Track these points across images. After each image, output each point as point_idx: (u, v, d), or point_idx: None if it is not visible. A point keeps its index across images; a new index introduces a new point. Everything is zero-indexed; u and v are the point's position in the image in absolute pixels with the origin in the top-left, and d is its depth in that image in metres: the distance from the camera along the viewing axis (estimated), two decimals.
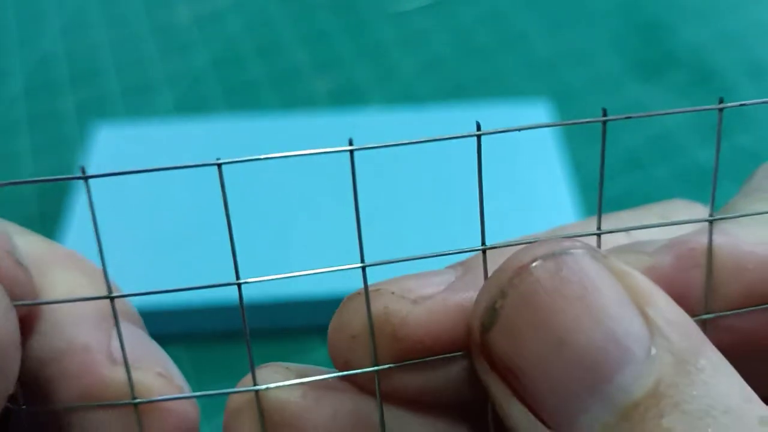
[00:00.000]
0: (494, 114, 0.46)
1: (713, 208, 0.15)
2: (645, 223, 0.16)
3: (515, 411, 0.13)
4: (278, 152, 0.14)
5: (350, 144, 0.14)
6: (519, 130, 0.14)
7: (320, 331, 0.40)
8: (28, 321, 0.15)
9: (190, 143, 0.46)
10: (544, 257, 0.13)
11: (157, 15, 0.60)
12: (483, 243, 0.15)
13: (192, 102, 0.53)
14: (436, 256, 0.15)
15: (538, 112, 0.46)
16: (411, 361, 0.14)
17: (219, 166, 0.14)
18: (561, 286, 0.12)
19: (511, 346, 0.13)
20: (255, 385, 0.15)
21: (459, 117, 0.45)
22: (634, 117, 0.14)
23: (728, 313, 0.14)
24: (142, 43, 0.57)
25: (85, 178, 0.13)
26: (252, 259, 0.16)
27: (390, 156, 0.43)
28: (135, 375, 0.15)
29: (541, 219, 0.40)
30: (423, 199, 0.41)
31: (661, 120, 0.48)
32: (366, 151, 0.14)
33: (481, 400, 0.15)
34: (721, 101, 0.14)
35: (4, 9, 0.61)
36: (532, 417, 0.12)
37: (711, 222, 0.15)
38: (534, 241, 0.14)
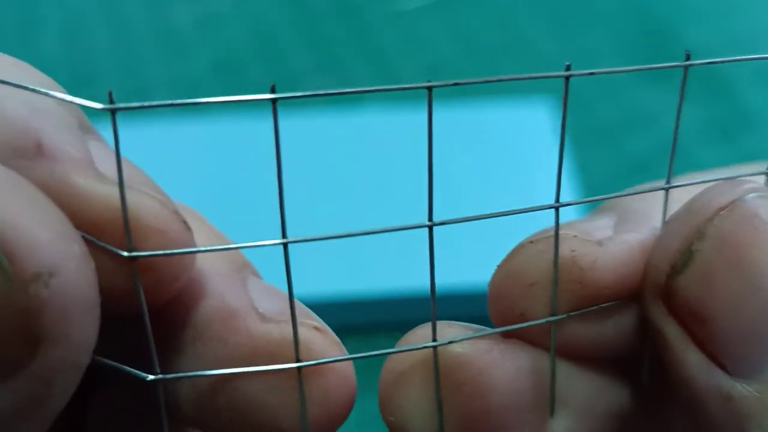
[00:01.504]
0: (496, 114, 0.46)
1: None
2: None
3: (693, 358, 0.12)
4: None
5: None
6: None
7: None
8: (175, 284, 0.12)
9: (189, 145, 0.45)
10: (741, 199, 0.12)
11: (157, 17, 0.60)
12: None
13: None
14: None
15: (541, 112, 0.46)
16: (588, 309, 0.14)
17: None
18: (762, 228, 0.12)
19: (705, 290, 0.12)
20: (434, 341, 0.13)
21: (460, 117, 0.45)
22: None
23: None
24: (142, 45, 0.57)
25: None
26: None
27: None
28: (290, 330, 0.13)
29: (543, 220, 0.40)
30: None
31: (667, 125, 0.48)
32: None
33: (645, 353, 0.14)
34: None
35: (3, 12, 0.61)
36: (712, 365, 0.12)
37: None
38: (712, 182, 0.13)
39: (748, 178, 0.14)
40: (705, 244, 0.12)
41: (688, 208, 0.13)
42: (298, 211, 0.42)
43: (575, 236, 0.14)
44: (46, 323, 0.10)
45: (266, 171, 0.48)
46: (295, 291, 0.40)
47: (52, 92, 0.13)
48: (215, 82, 0.54)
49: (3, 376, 0.10)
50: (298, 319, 0.14)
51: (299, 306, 0.14)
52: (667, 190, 0.14)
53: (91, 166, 0.12)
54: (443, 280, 0.42)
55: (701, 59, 0.14)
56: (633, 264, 0.14)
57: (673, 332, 0.13)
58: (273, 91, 0.13)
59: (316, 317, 0.15)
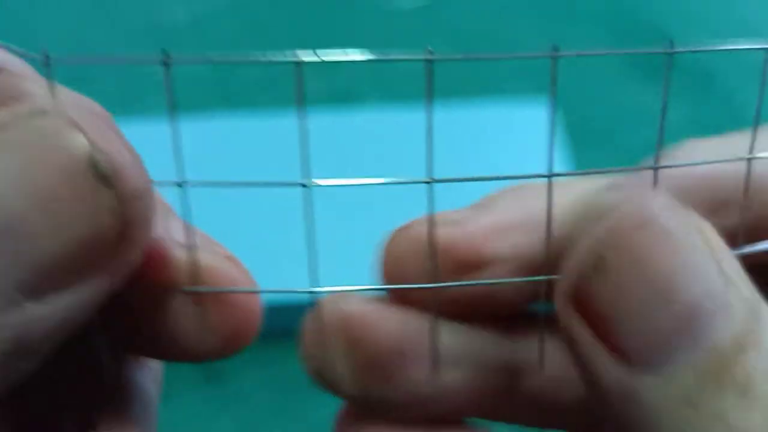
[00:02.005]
0: (494, 114, 0.46)
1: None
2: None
3: (594, 352, 0.14)
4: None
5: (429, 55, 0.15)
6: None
7: None
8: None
9: (187, 144, 0.45)
10: (651, 213, 0.14)
11: (154, 16, 0.60)
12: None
13: (189, 102, 0.52)
14: (506, 179, 0.16)
15: (538, 111, 0.46)
16: (464, 283, 0.16)
17: (298, 64, 0.15)
18: (664, 244, 0.13)
19: (613, 297, 0.13)
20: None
21: (458, 116, 0.45)
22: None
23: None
24: (139, 44, 0.57)
25: (167, 64, 0.14)
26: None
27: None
28: (207, 258, 0.15)
29: None
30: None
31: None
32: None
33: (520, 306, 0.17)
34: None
35: (3, 13, 0.61)
36: (613, 357, 0.13)
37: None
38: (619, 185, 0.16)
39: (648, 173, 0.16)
40: (613, 255, 0.14)
41: (600, 213, 0.14)
42: (296, 209, 0.42)
43: (440, 219, 0.16)
44: (131, 228, 0.13)
45: (266, 169, 0.48)
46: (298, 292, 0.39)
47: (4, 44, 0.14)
48: (212, 79, 0.54)
49: (100, 266, 0.13)
50: (214, 249, 0.15)
51: (210, 238, 0.16)
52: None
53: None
54: None
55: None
56: (486, 238, 0.16)
57: (578, 328, 0.14)
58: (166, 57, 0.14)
59: (224, 247, 0.16)
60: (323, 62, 0.14)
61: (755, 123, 0.16)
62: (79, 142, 0.13)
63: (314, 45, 0.58)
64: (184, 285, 0.15)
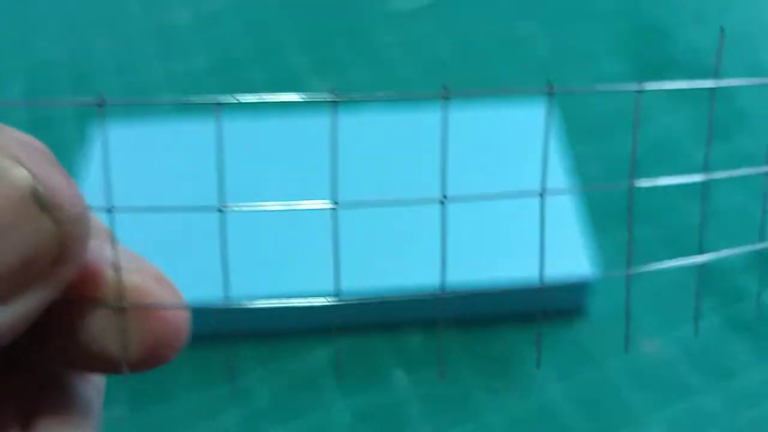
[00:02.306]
0: (494, 114, 0.47)
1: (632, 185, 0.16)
2: None
3: None
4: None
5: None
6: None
7: (318, 331, 0.40)
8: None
9: (189, 144, 0.46)
10: None
11: (157, 17, 0.60)
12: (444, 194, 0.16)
13: (191, 104, 0.53)
14: (399, 204, 0.15)
15: (539, 112, 0.46)
16: None
17: (217, 105, 0.16)
18: None
19: None
20: None
21: (458, 117, 0.45)
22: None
23: None
24: (142, 45, 0.58)
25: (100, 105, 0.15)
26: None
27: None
28: (133, 278, 0.17)
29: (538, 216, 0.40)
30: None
31: (661, 123, 0.48)
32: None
33: None
34: (640, 84, 0.16)
35: (4, 11, 0.61)
36: None
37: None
38: None
39: None
40: None
41: None
42: (297, 210, 0.43)
43: None
44: (68, 248, 0.15)
45: (265, 169, 0.48)
46: (294, 290, 0.39)
47: None
48: (214, 82, 0.54)
49: (36, 283, 0.15)
50: (143, 268, 0.17)
51: (145, 261, 0.17)
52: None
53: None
54: (447, 279, 0.41)
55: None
56: None
57: None
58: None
59: (158, 270, 0.18)
60: (240, 104, 0.15)
61: (632, 153, 0.16)
62: (22, 174, 0.15)
63: (315, 45, 0.59)
64: (110, 301, 0.16)
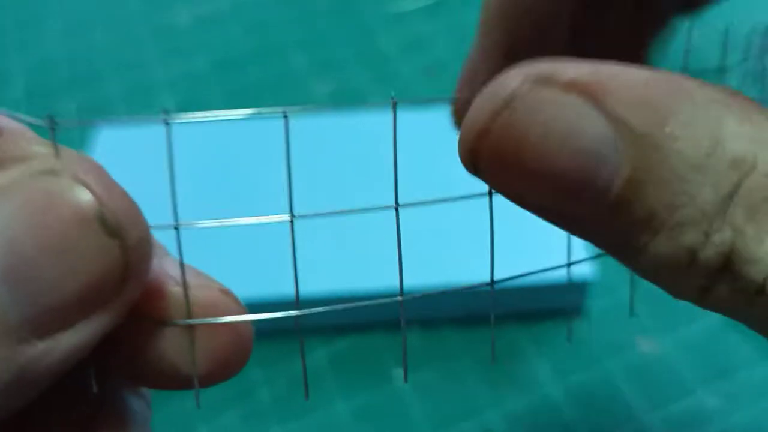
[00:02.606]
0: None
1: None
2: None
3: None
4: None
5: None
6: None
7: (319, 331, 0.40)
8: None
9: (190, 145, 0.46)
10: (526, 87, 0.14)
11: (158, 17, 0.60)
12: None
13: (192, 104, 0.53)
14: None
15: None
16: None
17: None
18: (528, 120, 0.14)
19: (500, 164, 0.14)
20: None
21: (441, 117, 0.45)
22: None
23: None
24: (143, 45, 0.58)
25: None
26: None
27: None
28: (200, 294, 0.16)
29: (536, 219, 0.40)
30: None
31: None
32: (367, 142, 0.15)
33: None
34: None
35: (5, 12, 0.61)
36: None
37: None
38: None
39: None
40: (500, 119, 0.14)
41: (494, 86, 0.15)
42: (296, 209, 0.43)
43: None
44: (133, 273, 0.15)
45: (265, 169, 0.48)
46: (293, 290, 0.40)
47: (5, 111, 0.16)
48: (215, 81, 0.54)
49: (103, 307, 0.14)
50: (207, 283, 0.17)
51: (204, 274, 0.17)
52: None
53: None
54: (437, 278, 0.42)
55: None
56: None
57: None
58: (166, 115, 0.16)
59: (218, 282, 0.17)
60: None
61: None
62: (87, 198, 0.14)
63: (316, 46, 0.59)
64: (178, 317, 0.16)
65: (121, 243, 0.14)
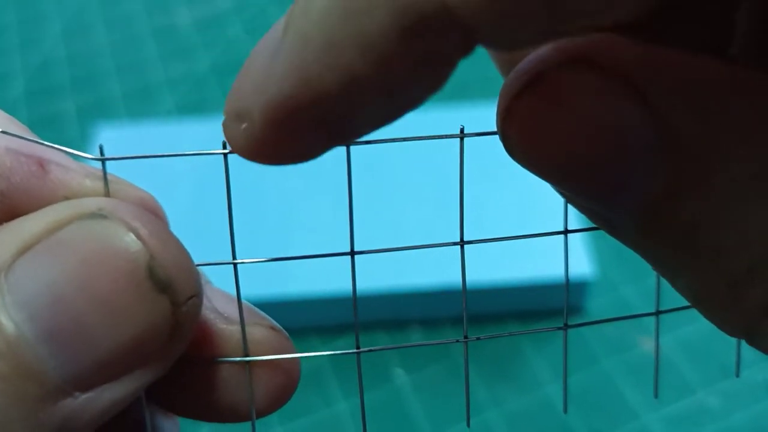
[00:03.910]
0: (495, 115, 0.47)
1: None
2: None
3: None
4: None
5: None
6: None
7: (320, 331, 0.40)
8: None
9: (191, 145, 0.46)
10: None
11: (158, 18, 0.60)
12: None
13: (193, 104, 0.53)
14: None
15: None
16: None
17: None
18: (559, 107, 0.12)
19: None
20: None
21: (460, 118, 0.46)
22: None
23: None
24: (143, 45, 0.58)
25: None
26: (252, 252, 0.17)
27: (384, 154, 0.44)
28: (254, 331, 0.16)
29: (539, 218, 0.40)
30: (415, 195, 0.42)
31: None
32: (362, 150, 0.15)
33: None
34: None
35: (6, 12, 0.61)
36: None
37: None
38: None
39: None
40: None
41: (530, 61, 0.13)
42: (299, 213, 0.43)
43: None
44: (181, 328, 0.14)
45: (265, 170, 0.48)
46: (294, 289, 0.39)
47: (54, 145, 0.15)
48: (215, 82, 0.54)
49: (149, 362, 0.14)
50: (256, 321, 0.16)
51: (253, 308, 0.17)
52: None
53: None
54: (446, 278, 0.42)
55: None
56: None
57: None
58: (224, 147, 0.15)
59: (268, 317, 0.17)
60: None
61: None
62: (137, 248, 0.13)
63: None
64: (229, 354, 0.16)
65: (172, 299, 0.14)
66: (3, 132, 0.14)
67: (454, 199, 0.17)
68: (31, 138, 0.15)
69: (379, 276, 0.39)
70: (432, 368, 0.39)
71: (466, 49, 0.11)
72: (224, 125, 0.12)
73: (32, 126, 0.16)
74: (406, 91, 0.11)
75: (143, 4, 0.61)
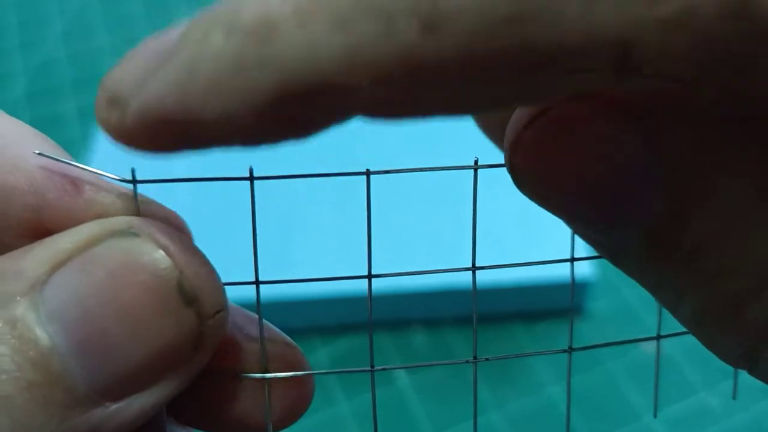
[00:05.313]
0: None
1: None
2: None
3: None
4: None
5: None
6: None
7: (320, 331, 0.40)
8: None
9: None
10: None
11: (159, 19, 0.60)
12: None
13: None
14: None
15: None
16: None
17: (251, 180, 0.16)
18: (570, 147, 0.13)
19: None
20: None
21: (461, 120, 0.45)
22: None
23: None
24: None
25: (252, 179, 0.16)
26: (261, 263, 0.17)
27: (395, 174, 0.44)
28: (271, 347, 0.17)
29: (546, 227, 0.40)
30: (424, 209, 0.42)
31: None
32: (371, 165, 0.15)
33: None
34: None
35: (7, 13, 0.61)
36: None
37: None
38: None
39: None
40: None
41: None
42: (300, 215, 0.43)
43: None
44: (207, 341, 0.15)
45: (278, 183, 0.48)
46: (296, 290, 0.40)
47: (88, 167, 0.15)
48: None
49: (174, 373, 0.14)
50: (273, 337, 0.17)
51: (269, 325, 0.17)
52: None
53: None
54: (449, 278, 0.42)
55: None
56: None
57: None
58: (251, 174, 0.15)
59: (284, 334, 0.18)
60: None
61: None
62: (166, 265, 0.14)
63: None
64: (250, 370, 0.16)
65: (198, 312, 0.14)
66: (39, 153, 0.15)
67: (463, 208, 0.17)
68: (64, 159, 0.15)
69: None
70: (434, 370, 0.39)
71: (340, 120, 0.12)
72: (97, 104, 0.13)
73: (33, 125, 0.17)
74: (277, 140, 0.12)
75: (144, 5, 0.61)
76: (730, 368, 0.41)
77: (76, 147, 0.49)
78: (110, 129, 0.13)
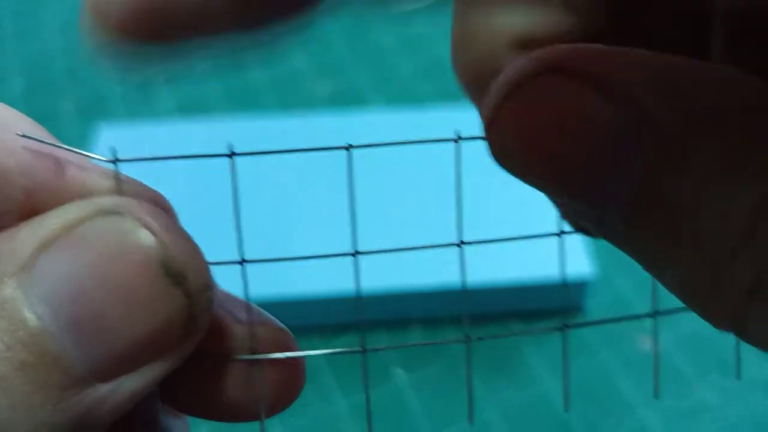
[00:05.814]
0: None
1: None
2: None
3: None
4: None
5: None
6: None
7: (320, 330, 0.40)
8: None
9: (191, 144, 0.46)
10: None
11: None
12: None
13: (193, 103, 0.53)
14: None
15: None
16: None
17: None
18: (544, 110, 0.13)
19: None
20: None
21: (458, 118, 0.46)
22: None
23: None
24: None
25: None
26: (253, 253, 0.17)
27: (384, 156, 0.44)
28: (262, 330, 0.17)
29: (538, 217, 0.40)
30: (414, 196, 0.42)
31: None
32: (362, 152, 0.15)
33: None
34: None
35: (3, 10, 0.61)
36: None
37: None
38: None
39: None
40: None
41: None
42: (298, 212, 0.43)
43: None
44: (197, 319, 0.15)
45: (267, 171, 0.48)
46: (294, 289, 0.40)
47: (71, 148, 0.16)
48: (216, 81, 0.54)
49: (166, 353, 0.14)
50: (263, 321, 0.17)
51: (259, 310, 0.17)
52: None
53: None
54: (446, 277, 0.42)
55: None
56: None
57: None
58: (231, 151, 0.16)
59: (274, 318, 0.18)
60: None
61: None
62: (151, 242, 0.14)
63: (318, 47, 0.59)
64: (240, 353, 0.16)
65: (185, 291, 0.14)
66: (22, 135, 0.15)
67: (453, 197, 0.17)
68: (48, 140, 0.15)
69: (380, 275, 0.39)
70: (432, 368, 0.39)
71: None
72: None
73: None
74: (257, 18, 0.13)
75: None
76: (725, 361, 0.41)
77: (75, 145, 0.49)
78: (98, 13, 0.13)
